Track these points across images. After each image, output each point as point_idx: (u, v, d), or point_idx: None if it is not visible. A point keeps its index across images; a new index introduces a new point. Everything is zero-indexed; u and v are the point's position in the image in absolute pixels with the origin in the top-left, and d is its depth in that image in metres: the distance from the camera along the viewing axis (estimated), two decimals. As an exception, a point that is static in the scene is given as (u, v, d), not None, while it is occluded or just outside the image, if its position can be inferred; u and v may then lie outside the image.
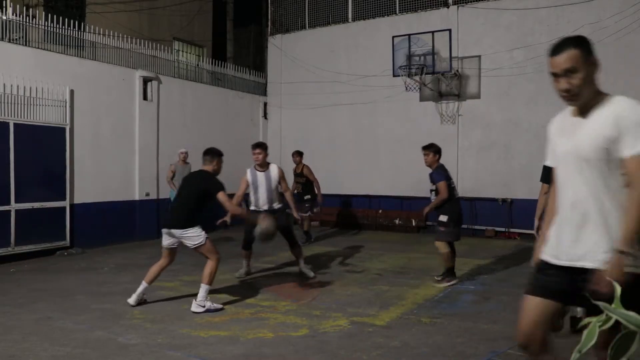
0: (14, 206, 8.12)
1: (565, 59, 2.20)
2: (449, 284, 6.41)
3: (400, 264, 7.92)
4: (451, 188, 6.43)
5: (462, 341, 4.41)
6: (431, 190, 6.57)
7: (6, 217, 8.04)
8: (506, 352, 4.13)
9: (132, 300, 5.49)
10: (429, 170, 6.54)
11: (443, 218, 6.36)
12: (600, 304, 1.00)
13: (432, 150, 6.50)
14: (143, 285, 5.51)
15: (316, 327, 4.79)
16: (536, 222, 5.17)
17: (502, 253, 8.78)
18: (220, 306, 5.41)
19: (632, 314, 0.96)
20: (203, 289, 5.29)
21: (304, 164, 9.78)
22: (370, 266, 7.76)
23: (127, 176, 10.20)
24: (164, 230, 5.45)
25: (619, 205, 2.17)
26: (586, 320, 1.03)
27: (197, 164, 10.83)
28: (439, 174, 6.43)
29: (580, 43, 2.22)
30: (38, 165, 8.53)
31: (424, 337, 4.50)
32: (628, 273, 2.07)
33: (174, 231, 5.34)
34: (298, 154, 9.83)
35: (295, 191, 9.57)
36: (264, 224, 5.44)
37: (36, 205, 8.43)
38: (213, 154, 5.59)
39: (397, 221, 11.83)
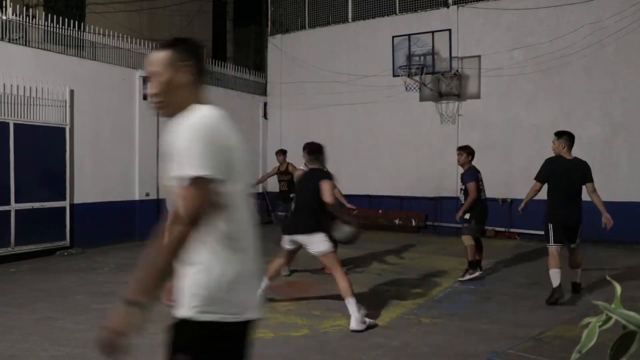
0: (14, 206, 8.12)
1: (151, 60, 1.90)
2: (471, 276, 6.64)
3: (400, 264, 7.92)
4: (479, 189, 6.77)
5: (462, 341, 4.41)
6: (461, 189, 6.97)
7: (6, 217, 8.03)
8: (506, 352, 4.13)
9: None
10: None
11: (467, 216, 6.78)
12: (600, 303, 1.00)
13: (466, 151, 6.90)
14: (264, 282, 5.27)
15: (316, 327, 4.79)
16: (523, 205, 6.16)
17: (502, 253, 8.78)
18: (373, 322, 4.94)
19: (632, 313, 0.96)
20: (352, 304, 4.79)
21: (288, 162, 9.89)
22: (370, 266, 7.76)
23: (127, 176, 10.19)
24: (287, 237, 5.29)
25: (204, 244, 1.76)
26: (586, 320, 1.03)
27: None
28: (470, 175, 6.77)
29: (174, 45, 1.91)
30: (38, 165, 8.52)
31: (424, 337, 4.50)
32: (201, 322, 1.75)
33: (298, 237, 5.16)
34: (282, 153, 9.94)
35: (280, 190, 9.71)
36: (351, 227, 5.32)
37: (36, 205, 8.42)
38: (317, 152, 5.53)
39: (397, 221, 11.83)
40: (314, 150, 5.56)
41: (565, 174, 5.64)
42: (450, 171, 10.90)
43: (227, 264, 1.79)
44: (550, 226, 5.64)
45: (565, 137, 5.73)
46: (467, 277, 6.64)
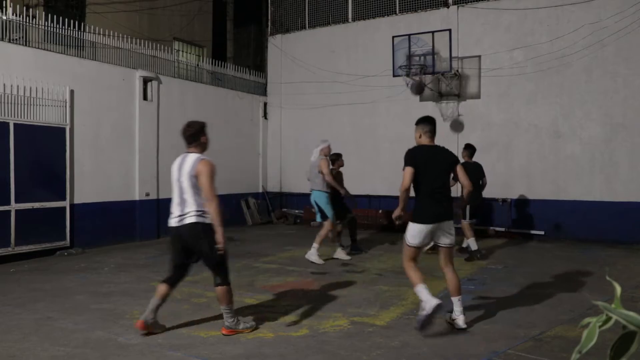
0: (14, 206, 8.12)
1: None
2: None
3: (400, 264, 7.90)
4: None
5: (462, 341, 4.41)
6: None
7: (6, 217, 8.03)
8: (506, 352, 4.13)
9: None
10: None
11: None
12: (600, 303, 1.00)
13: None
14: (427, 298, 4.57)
15: (316, 327, 4.79)
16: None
17: (502, 253, 8.77)
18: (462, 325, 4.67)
19: (632, 313, 0.96)
20: (458, 303, 4.67)
21: None
22: (370, 266, 7.76)
23: (127, 176, 10.20)
24: (429, 227, 4.88)
25: None
26: (586, 320, 1.03)
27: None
28: None
29: None
30: (38, 165, 8.53)
31: (424, 337, 4.50)
32: None
33: (447, 223, 4.83)
34: None
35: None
36: None
37: (36, 205, 8.42)
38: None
39: (397, 221, 11.81)
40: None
41: (475, 172, 8.05)
42: (450, 171, 10.91)
43: None
44: (468, 207, 8.00)
45: (470, 149, 8.46)
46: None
